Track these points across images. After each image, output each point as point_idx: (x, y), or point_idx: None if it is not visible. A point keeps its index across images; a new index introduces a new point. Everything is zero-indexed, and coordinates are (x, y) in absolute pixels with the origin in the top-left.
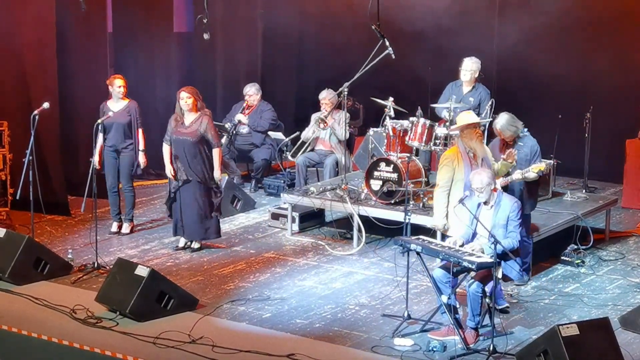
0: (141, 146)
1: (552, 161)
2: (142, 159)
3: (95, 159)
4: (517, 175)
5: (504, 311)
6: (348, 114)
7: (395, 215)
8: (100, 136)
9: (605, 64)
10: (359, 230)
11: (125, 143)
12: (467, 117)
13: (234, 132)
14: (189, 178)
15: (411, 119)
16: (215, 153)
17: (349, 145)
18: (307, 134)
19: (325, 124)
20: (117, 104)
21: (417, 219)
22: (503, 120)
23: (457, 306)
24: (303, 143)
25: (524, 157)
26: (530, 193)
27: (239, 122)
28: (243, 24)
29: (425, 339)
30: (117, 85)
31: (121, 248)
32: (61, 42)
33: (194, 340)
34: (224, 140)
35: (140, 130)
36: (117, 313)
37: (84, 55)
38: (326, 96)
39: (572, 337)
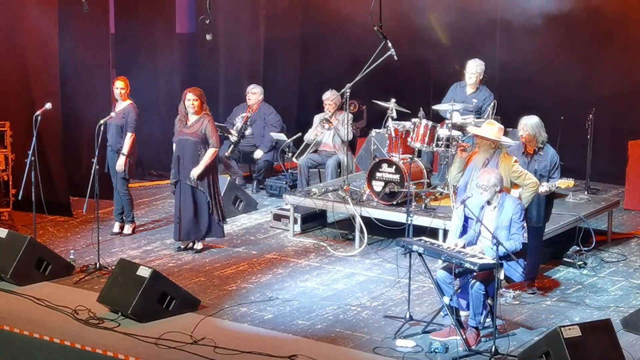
0: (124, 150)
1: (572, 179)
2: (121, 162)
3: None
4: (543, 189)
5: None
6: (351, 115)
7: (397, 216)
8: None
9: (607, 65)
10: (361, 232)
11: (119, 145)
12: (486, 130)
13: (242, 136)
14: (187, 180)
15: (413, 120)
16: (210, 152)
17: (351, 146)
18: (310, 135)
19: (330, 124)
20: (119, 105)
21: (419, 220)
22: (535, 120)
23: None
24: (307, 145)
25: (544, 168)
26: (548, 206)
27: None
28: (245, 25)
29: (427, 340)
30: (116, 86)
31: (123, 249)
32: (63, 42)
33: (196, 341)
34: (229, 150)
35: (129, 135)
36: (119, 314)
37: (86, 56)
38: (330, 97)
39: (574, 339)
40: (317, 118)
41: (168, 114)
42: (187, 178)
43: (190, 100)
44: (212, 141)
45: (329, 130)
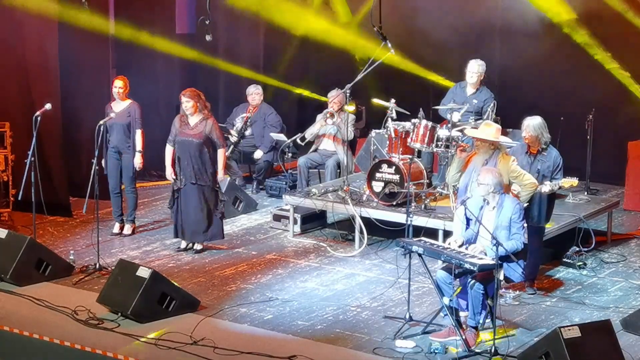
0: (138, 147)
1: (576, 179)
2: (138, 160)
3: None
4: (546, 187)
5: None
6: (353, 116)
7: (397, 216)
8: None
9: (606, 66)
10: (361, 232)
11: (126, 144)
12: (484, 131)
13: (242, 136)
14: (192, 180)
15: (413, 120)
16: (220, 153)
17: (351, 146)
18: (313, 130)
19: (333, 116)
20: (119, 105)
21: (419, 220)
22: (538, 121)
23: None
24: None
25: (547, 168)
26: (549, 206)
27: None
28: (245, 26)
29: (426, 340)
30: (115, 85)
31: (123, 249)
32: (63, 43)
33: (196, 342)
34: (229, 150)
35: (139, 132)
36: (118, 314)
37: (86, 56)
38: (335, 95)
39: (573, 339)
40: (319, 117)
41: (168, 115)
42: (191, 178)
43: (183, 102)
44: (219, 142)
45: (332, 124)
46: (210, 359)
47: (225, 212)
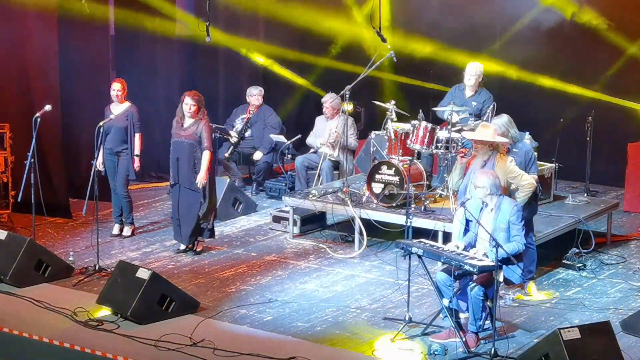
0: (136, 151)
1: (552, 165)
2: (136, 163)
3: (99, 161)
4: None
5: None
6: (352, 119)
7: (396, 218)
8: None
9: (606, 66)
10: (361, 233)
11: (122, 147)
12: (482, 133)
13: (241, 137)
14: (180, 182)
15: (413, 122)
16: (205, 155)
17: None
18: (314, 142)
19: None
20: (117, 107)
21: (419, 222)
22: (504, 119)
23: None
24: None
25: (520, 164)
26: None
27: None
28: (245, 27)
29: (426, 342)
30: (113, 88)
31: (122, 250)
32: (63, 44)
33: (195, 343)
34: (228, 151)
35: (137, 135)
36: (118, 315)
37: (86, 58)
38: (328, 99)
39: (573, 341)
40: (319, 120)
41: (167, 116)
42: (185, 181)
43: (188, 104)
44: (207, 145)
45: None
46: None
47: (224, 213)
